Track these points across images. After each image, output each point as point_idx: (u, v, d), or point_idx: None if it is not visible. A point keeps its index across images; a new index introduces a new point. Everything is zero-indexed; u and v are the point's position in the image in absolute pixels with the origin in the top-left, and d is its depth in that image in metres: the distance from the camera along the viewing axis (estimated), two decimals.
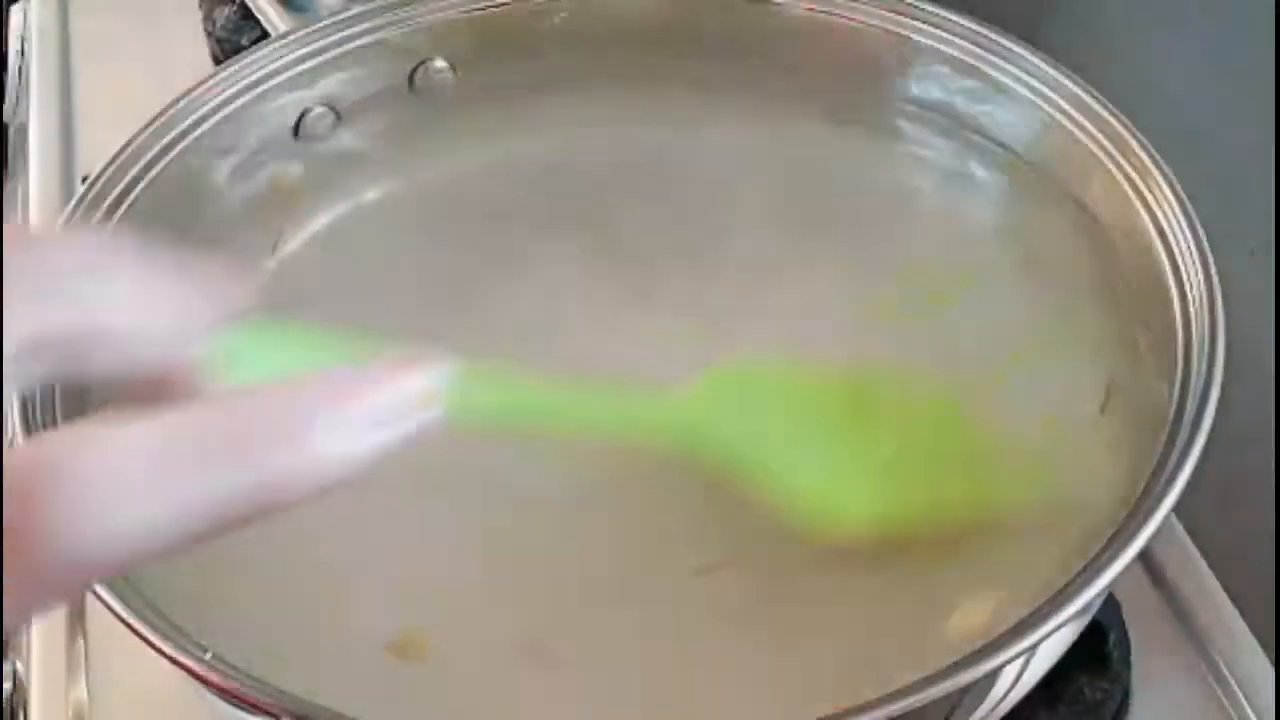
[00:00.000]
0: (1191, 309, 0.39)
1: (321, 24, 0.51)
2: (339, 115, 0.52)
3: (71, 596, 0.18)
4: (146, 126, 0.47)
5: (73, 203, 0.45)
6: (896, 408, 0.42)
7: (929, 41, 0.49)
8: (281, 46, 0.50)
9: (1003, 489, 0.41)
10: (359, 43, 0.51)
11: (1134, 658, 0.44)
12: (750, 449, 0.39)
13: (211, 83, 0.49)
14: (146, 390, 0.23)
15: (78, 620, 0.48)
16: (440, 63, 0.53)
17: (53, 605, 0.19)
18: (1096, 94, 0.45)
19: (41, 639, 0.48)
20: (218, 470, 0.19)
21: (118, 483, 0.19)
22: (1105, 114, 0.45)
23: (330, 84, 0.51)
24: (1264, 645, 0.46)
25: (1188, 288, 0.40)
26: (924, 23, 0.49)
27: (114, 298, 0.23)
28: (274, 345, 0.28)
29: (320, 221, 0.51)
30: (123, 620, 0.34)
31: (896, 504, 0.40)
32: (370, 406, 0.21)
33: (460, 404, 0.23)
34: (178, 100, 0.48)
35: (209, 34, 0.71)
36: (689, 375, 0.41)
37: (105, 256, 0.23)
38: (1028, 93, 0.47)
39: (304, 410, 0.20)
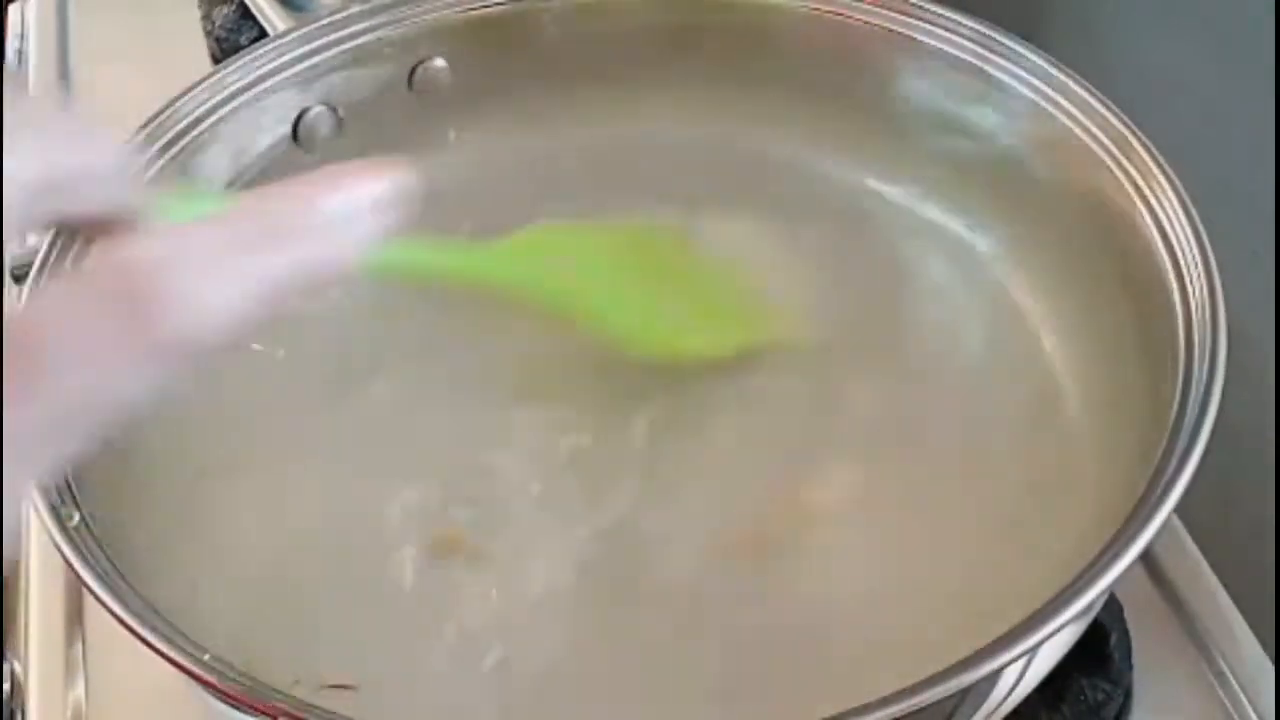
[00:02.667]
0: (1193, 309, 0.39)
1: (320, 23, 0.51)
2: (338, 114, 0.52)
3: (179, 373, 0.23)
4: (145, 126, 0.47)
5: None
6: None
7: (930, 41, 0.49)
8: (280, 46, 0.50)
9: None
10: (358, 42, 0.51)
11: (1135, 658, 0.44)
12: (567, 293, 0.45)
13: (210, 82, 0.49)
14: (99, 231, 0.29)
15: (76, 621, 0.48)
16: (439, 62, 0.53)
17: (164, 383, 0.23)
18: (1098, 94, 0.45)
19: (40, 639, 0.48)
20: (273, 254, 0.24)
21: (203, 268, 0.23)
22: (1107, 114, 0.45)
23: (329, 83, 0.51)
24: (1265, 645, 0.46)
25: (1189, 288, 0.40)
26: (925, 22, 0.49)
27: (93, 142, 0.28)
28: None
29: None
30: (121, 621, 0.34)
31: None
32: (368, 195, 0.26)
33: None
34: (176, 99, 0.48)
35: (208, 33, 0.71)
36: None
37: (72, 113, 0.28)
38: (1029, 92, 0.47)
39: (332, 206, 0.26)
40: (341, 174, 0.26)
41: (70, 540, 0.36)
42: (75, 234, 0.29)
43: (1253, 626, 0.46)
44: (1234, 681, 0.45)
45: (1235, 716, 0.44)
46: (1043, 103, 0.46)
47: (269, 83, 0.50)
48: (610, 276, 0.47)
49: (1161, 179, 0.42)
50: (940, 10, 0.49)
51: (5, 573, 0.50)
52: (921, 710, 0.31)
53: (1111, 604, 0.44)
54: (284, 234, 0.25)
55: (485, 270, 0.44)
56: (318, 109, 0.51)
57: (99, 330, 0.22)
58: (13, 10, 0.77)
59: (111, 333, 0.22)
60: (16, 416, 0.22)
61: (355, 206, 0.26)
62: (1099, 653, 0.44)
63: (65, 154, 0.27)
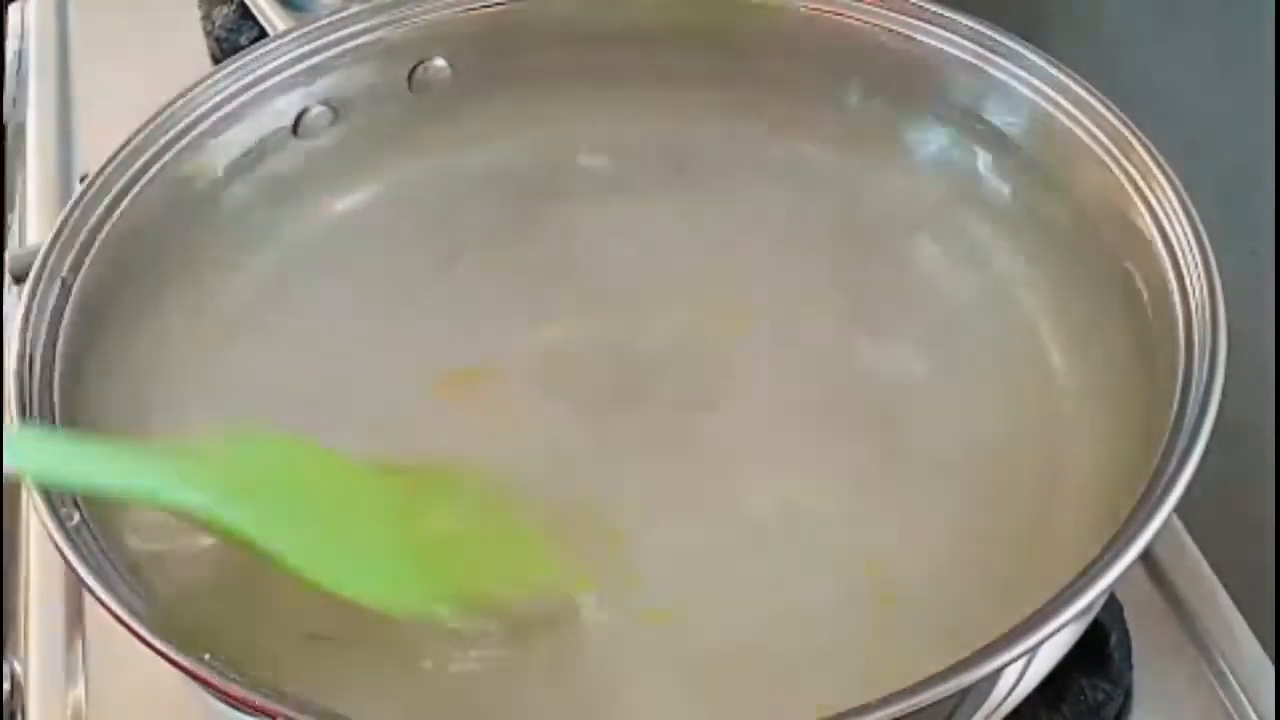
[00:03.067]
0: (1193, 309, 0.39)
1: (320, 23, 0.51)
2: (338, 114, 0.52)
3: None
4: (145, 126, 0.47)
5: (71, 202, 0.45)
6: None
7: (930, 41, 0.49)
8: (280, 45, 0.50)
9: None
10: (358, 41, 0.51)
11: (1136, 658, 0.44)
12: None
13: (210, 82, 0.49)
14: None
15: (76, 621, 0.48)
16: (439, 61, 0.53)
17: None
18: (1098, 93, 0.45)
19: (40, 639, 0.48)
20: None
21: None
22: (1107, 113, 0.45)
23: (329, 83, 0.51)
24: (1265, 645, 0.46)
25: (1189, 287, 0.40)
26: (924, 22, 0.49)
27: None
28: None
29: (318, 220, 0.51)
30: (121, 621, 0.34)
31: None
32: None
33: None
34: (176, 99, 0.48)
35: (208, 33, 0.71)
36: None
37: None
38: (1029, 92, 0.47)
39: None
40: None
41: (70, 540, 0.36)
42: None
43: (1253, 626, 0.46)
44: (1234, 681, 0.45)
45: (1235, 716, 0.44)
46: (1042, 102, 0.46)
47: (269, 83, 0.50)
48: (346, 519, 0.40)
49: (1161, 179, 0.42)
50: (940, 10, 0.49)
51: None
52: (922, 710, 0.31)
53: (1111, 604, 0.44)
54: None
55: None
56: (318, 109, 0.51)
57: None
58: (13, 10, 0.77)
59: None
60: None
61: None
62: (1099, 653, 0.44)
63: None
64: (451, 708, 0.39)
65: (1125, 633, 0.45)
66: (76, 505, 0.38)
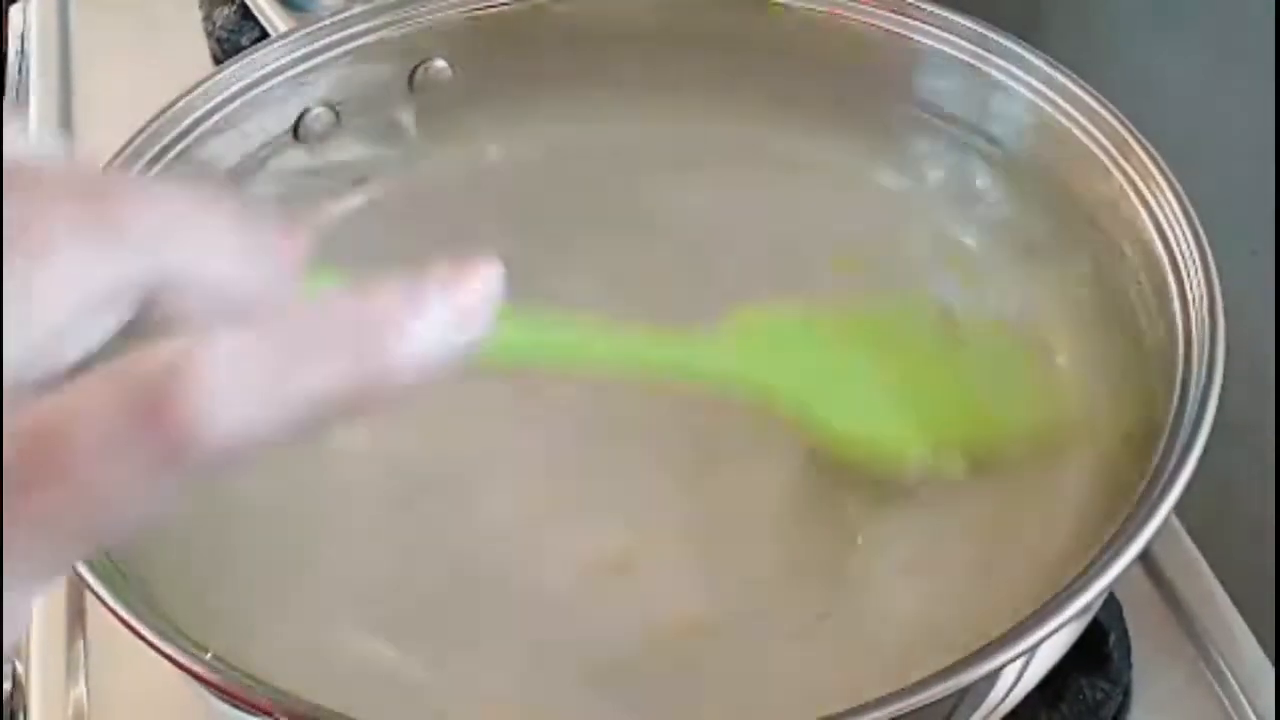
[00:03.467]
0: (1192, 310, 0.39)
1: (321, 24, 0.50)
2: (339, 115, 0.52)
3: (193, 484, 0.21)
4: (146, 127, 0.47)
5: None
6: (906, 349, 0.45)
7: (929, 41, 0.49)
8: (281, 46, 0.50)
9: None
10: (359, 42, 0.51)
11: (1134, 658, 0.44)
12: (787, 389, 0.41)
13: (211, 83, 0.49)
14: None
15: (78, 620, 0.48)
16: (440, 62, 0.53)
17: (177, 495, 0.21)
18: (1097, 94, 0.45)
19: (41, 639, 0.48)
20: (314, 370, 0.22)
21: (234, 378, 0.21)
22: (1106, 114, 0.45)
23: (330, 84, 0.51)
24: (1264, 645, 0.46)
25: (1188, 289, 0.40)
26: (924, 22, 0.49)
27: (191, 246, 0.24)
28: None
29: (319, 222, 0.51)
30: (122, 620, 0.34)
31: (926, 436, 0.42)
32: (447, 308, 0.23)
33: (501, 341, 0.25)
34: (177, 100, 0.48)
35: (209, 34, 0.71)
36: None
37: (176, 206, 0.24)
38: (1028, 93, 0.47)
39: (387, 315, 0.23)
40: (413, 282, 0.23)
41: None
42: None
43: (1251, 626, 0.46)
44: (1233, 681, 0.45)
45: (1234, 716, 0.44)
46: (1041, 103, 0.46)
47: (270, 83, 0.50)
48: (831, 371, 0.43)
49: (1160, 180, 0.42)
50: (938, 11, 0.49)
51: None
52: (920, 710, 0.31)
53: (1110, 603, 0.44)
54: (332, 345, 0.22)
55: (680, 363, 0.40)
56: (318, 109, 0.51)
57: (121, 434, 0.21)
58: (14, 10, 0.77)
59: (133, 439, 0.21)
60: (33, 512, 0.20)
61: (428, 317, 0.23)
62: (1098, 652, 0.44)
63: (140, 262, 0.23)
64: None
65: (1124, 632, 0.45)
66: None
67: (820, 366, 0.43)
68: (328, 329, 0.22)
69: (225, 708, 0.34)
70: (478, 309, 0.23)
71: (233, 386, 0.21)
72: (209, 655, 0.34)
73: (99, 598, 0.35)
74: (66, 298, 0.22)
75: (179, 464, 0.21)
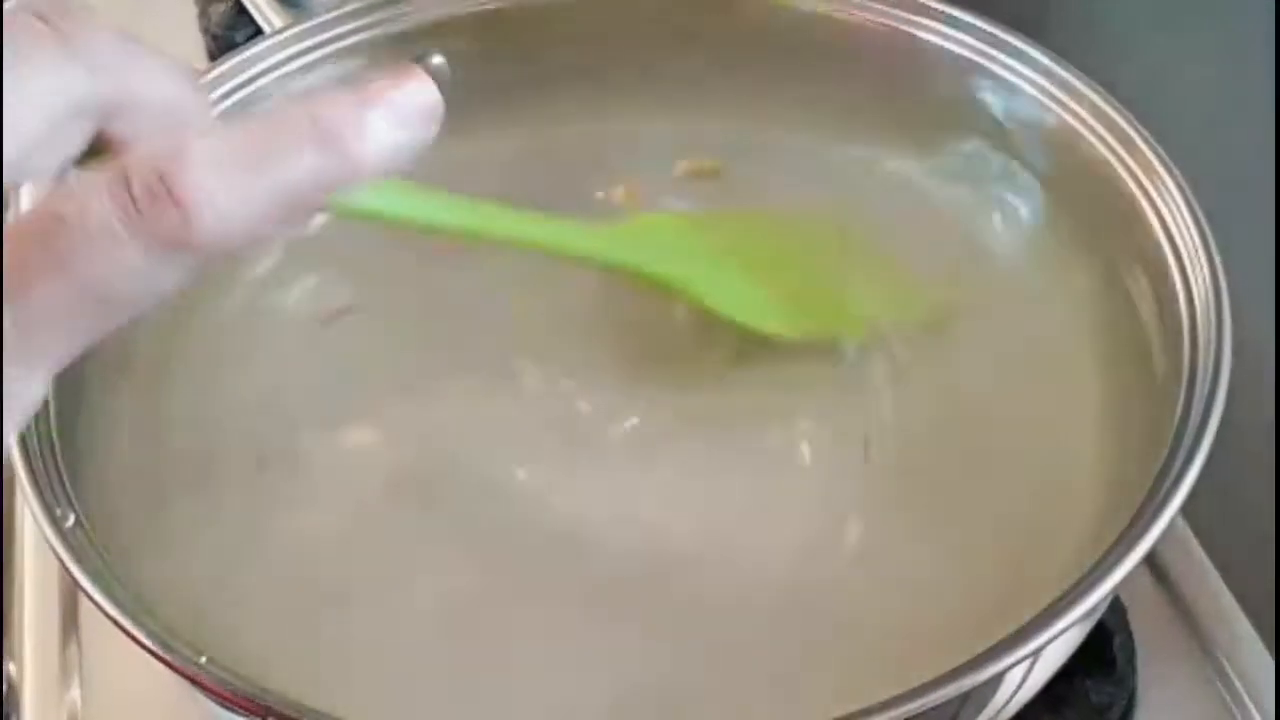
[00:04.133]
0: (1197, 306, 0.39)
1: (317, 20, 0.50)
2: None
3: (191, 272, 0.25)
4: None
5: None
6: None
7: (934, 39, 0.49)
8: (277, 43, 0.50)
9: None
10: (355, 39, 0.51)
11: (1139, 661, 0.44)
12: (678, 274, 0.45)
13: (206, 80, 0.48)
14: None
15: (71, 623, 0.48)
16: (437, 59, 0.52)
17: (176, 281, 0.24)
18: (1102, 90, 0.45)
19: (35, 642, 0.48)
20: (287, 163, 0.25)
21: (224, 170, 0.24)
22: (1111, 110, 0.45)
23: (326, 80, 0.51)
24: (1270, 648, 0.45)
25: (1193, 285, 0.40)
26: (928, 19, 0.49)
27: (146, 72, 0.28)
28: None
29: (316, 219, 0.51)
30: (116, 623, 0.34)
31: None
32: (393, 106, 0.27)
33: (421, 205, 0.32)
34: None
35: (204, 30, 0.71)
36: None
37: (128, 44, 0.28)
38: (1034, 90, 0.47)
39: (342, 113, 0.26)
40: (365, 88, 0.27)
41: (65, 542, 0.36)
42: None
43: (1258, 629, 0.46)
44: (1238, 684, 0.45)
45: (1239, 718, 0.44)
46: (1046, 100, 0.46)
47: (265, 80, 0.49)
48: (721, 261, 0.46)
49: (1165, 175, 0.42)
50: (943, 8, 0.49)
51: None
52: (924, 714, 0.31)
53: (1116, 606, 0.44)
54: (299, 141, 0.25)
55: (586, 248, 0.44)
56: None
57: (120, 222, 0.23)
58: (8, 6, 0.77)
59: (132, 226, 0.23)
60: (38, 294, 0.23)
61: (379, 115, 0.26)
62: (1103, 655, 0.44)
63: (109, 78, 0.27)
64: None
65: (1129, 635, 0.44)
66: (72, 506, 0.37)
67: (708, 259, 0.46)
68: (293, 129, 0.26)
69: (221, 710, 0.34)
70: (419, 108, 0.28)
71: (219, 177, 0.24)
72: (203, 658, 0.34)
73: (93, 600, 0.35)
74: (48, 104, 0.26)
75: (177, 248, 0.24)
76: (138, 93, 0.28)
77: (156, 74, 0.28)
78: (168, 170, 0.24)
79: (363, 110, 0.26)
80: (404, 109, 0.27)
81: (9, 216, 0.28)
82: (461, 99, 0.52)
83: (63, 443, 0.39)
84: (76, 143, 0.27)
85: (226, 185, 0.24)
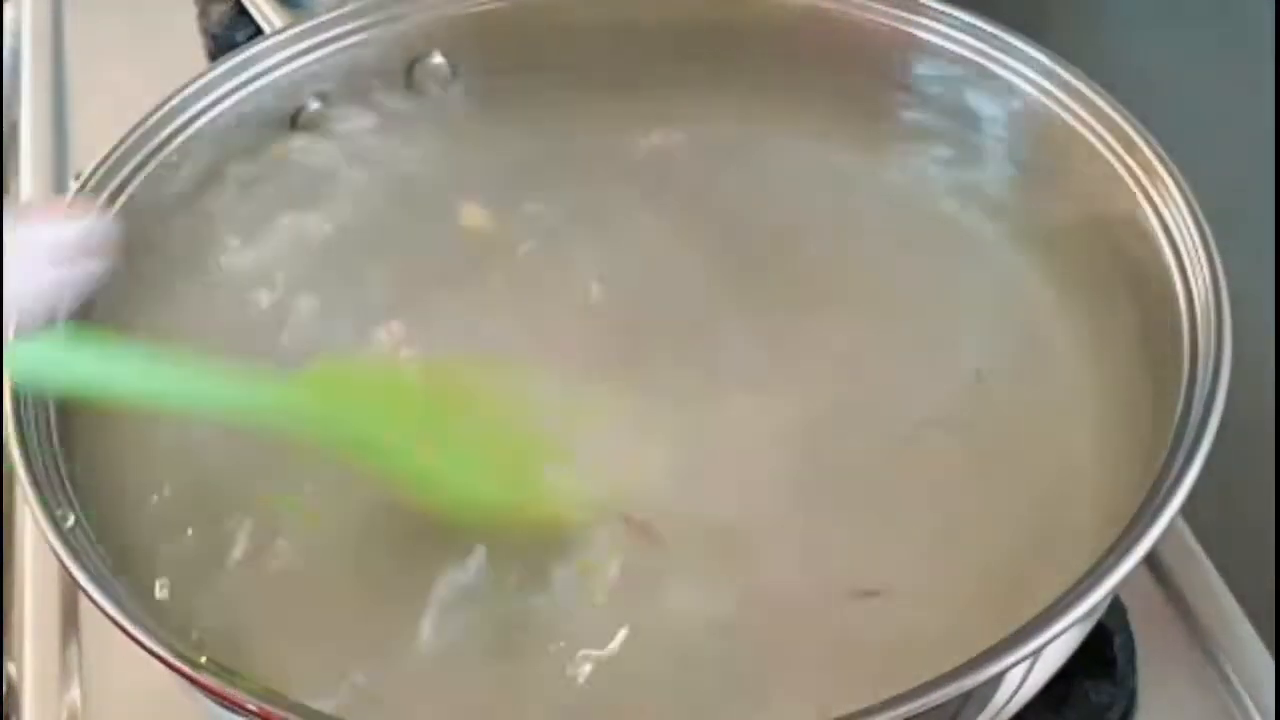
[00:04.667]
0: (1197, 306, 0.39)
1: (317, 20, 0.50)
2: (335, 111, 0.51)
3: None
4: (140, 124, 0.47)
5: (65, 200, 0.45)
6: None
7: (932, 37, 0.49)
8: (276, 43, 0.50)
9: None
10: (355, 39, 0.51)
11: (1140, 661, 0.44)
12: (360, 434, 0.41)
13: (206, 80, 0.48)
14: None
15: (71, 623, 0.48)
16: (437, 58, 0.52)
17: None
18: (1103, 91, 0.45)
19: (35, 642, 0.48)
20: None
21: None
22: (1111, 110, 0.45)
23: (326, 80, 0.51)
24: (1270, 648, 0.45)
25: (1193, 284, 0.40)
26: (928, 18, 0.49)
27: None
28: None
29: (314, 217, 0.51)
30: (117, 624, 0.34)
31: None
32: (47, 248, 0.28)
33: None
34: (171, 97, 0.48)
35: (204, 30, 0.71)
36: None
37: None
38: (1032, 89, 0.47)
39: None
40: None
41: (65, 542, 0.36)
42: None
43: (1258, 629, 0.46)
44: (1238, 683, 0.44)
45: (1239, 719, 0.44)
46: (1047, 100, 0.46)
47: (265, 80, 0.49)
48: (408, 416, 0.42)
49: (1165, 175, 0.42)
50: (944, 8, 0.48)
51: None
52: (924, 713, 0.31)
53: (1116, 607, 0.44)
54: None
55: (266, 405, 0.40)
56: (314, 106, 0.51)
57: None
58: (8, 7, 0.77)
59: None
60: None
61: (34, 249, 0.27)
62: (1103, 655, 0.43)
63: None
64: None
65: (1129, 636, 0.44)
66: (72, 506, 0.37)
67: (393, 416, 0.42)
68: None
69: (220, 710, 0.34)
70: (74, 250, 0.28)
71: None
72: (203, 658, 0.34)
73: (93, 600, 0.35)
74: None
75: None
76: None
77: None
78: None
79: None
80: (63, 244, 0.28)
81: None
82: (460, 99, 0.53)
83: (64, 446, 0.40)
84: None
85: None
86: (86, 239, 0.29)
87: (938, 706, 0.31)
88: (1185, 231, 0.41)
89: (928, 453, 0.44)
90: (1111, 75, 0.46)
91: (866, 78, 0.51)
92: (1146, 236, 0.42)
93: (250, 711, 0.33)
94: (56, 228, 0.29)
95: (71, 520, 0.37)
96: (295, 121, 0.51)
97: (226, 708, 0.33)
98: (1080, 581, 0.33)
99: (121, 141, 0.46)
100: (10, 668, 0.48)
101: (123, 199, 0.45)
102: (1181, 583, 0.47)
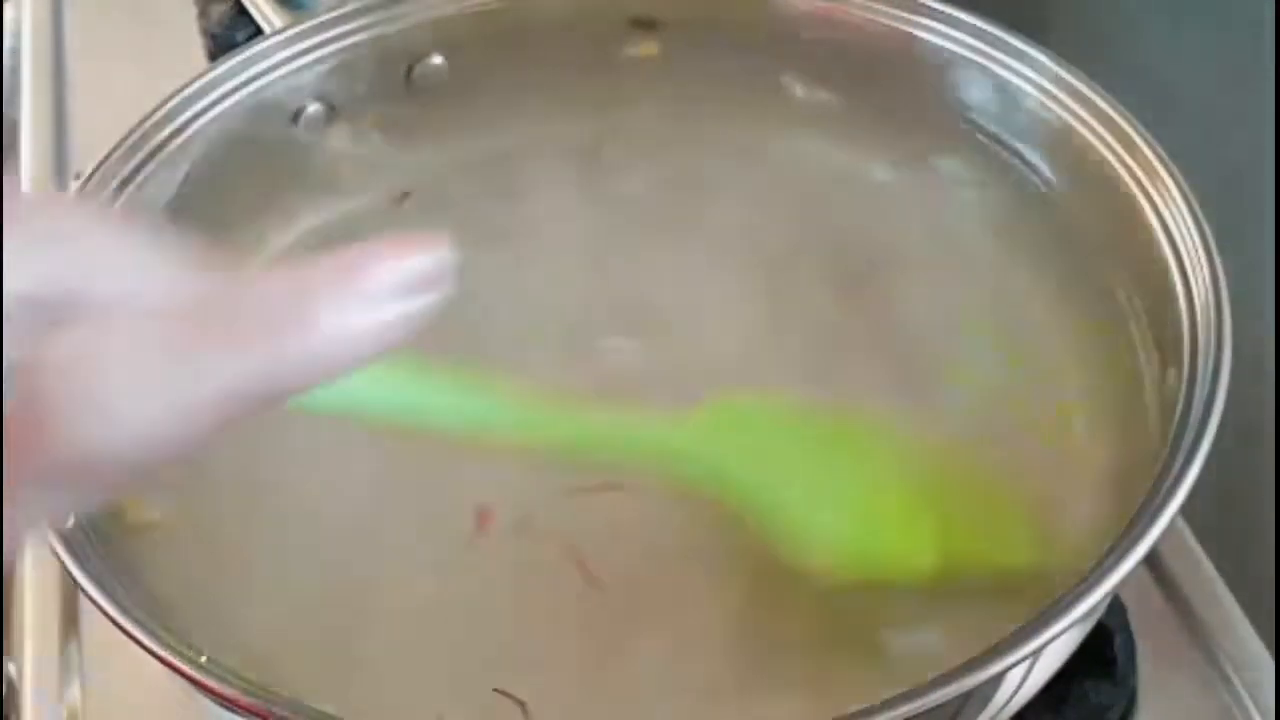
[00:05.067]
0: (1197, 307, 0.39)
1: (317, 20, 0.50)
2: (334, 112, 0.51)
3: (80, 501, 0.20)
4: (140, 124, 0.47)
5: None
6: (883, 445, 0.41)
7: (935, 39, 0.49)
8: (276, 43, 0.50)
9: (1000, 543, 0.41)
10: (355, 39, 0.51)
11: (1140, 661, 0.44)
12: (750, 483, 0.38)
13: (205, 80, 0.48)
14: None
15: (71, 623, 0.48)
16: (437, 59, 0.52)
17: (61, 510, 0.20)
18: (1103, 92, 0.45)
19: (35, 641, 0.48)
20: (224, 357, 0.19)
21: (121, 376, 0.18)
22: (1111, 111, 0.44)
23: (326, 81, 0.51)
24: (1270, 648, 0.45)
25: (1193, 285, 0.40)
26: (930, 20, 0.49)
27: (108, 266, 0.22)
28: None
29: (314, 219, 0.51)
30: (116, 624, 0.34)
31: (878, 546, 0.39)
32: (374, 284, 0.20)
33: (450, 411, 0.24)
34: (171, 98, 0.47)
35: (203, 31, 0.71)
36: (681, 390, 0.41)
37: (96, 224, 0.23)
38: (1034, 91, 0.47)
39: (307, 292, 0.19)
40: (347, 257, 0.20)
41: (65, 542, 0.36)
42: None
43: (1258, 629, 0.46)
44: (1238, 684, 0.44)
45: (1239, 719, 0.44)
46: (1047, 101, 0.46)
47: (265, 80, 0.49)
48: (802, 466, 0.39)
49: (1166, 177, 0.42)
50: (944, 8, 0.48)
51: None
52: (924, 714, 0.31)
53: (1115, 606, 0.44)
54: (255, 325, 0.19)
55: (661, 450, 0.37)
56: (314, 107, 0.51)
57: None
58: (8, 7, 0.77)
59: (12, 444, 0.18)
60: None
61: (359, 289, 0.20)
62: (1103, 655, 0.43)
63: (63, 271, 0.21)
64: None
65: (1129, 636, 0.44)
66: None
67: (786, 461, 0.39)
68: (242, 311, 0.19)
69: (221, 711, 0.34)
70: (411, 286, 0.20)
71: (133, 378, 0.18)
72: (203, 658, 0.34)
73: (93, 600, 0.35)
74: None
75: (65, 472, 0.18)
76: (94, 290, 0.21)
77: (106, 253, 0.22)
78: (57, 373, 0.18)
79: (335, 289, 0.20)
80: (398, 280, 0.20)
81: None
82: (460, 100, 0.53)
83: None
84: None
85: (131, 388, 0.18)
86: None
87: (938, 706, 0.31)
88: (1185, 231, 0.41)
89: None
90: (1111, 75, 0.46)
91: (867, 78, 0.51)
92: (1146, 236, 0.42)
93: (253, 712, 0.33)
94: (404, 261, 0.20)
95: (71, 520, 0.37)
96: (295, 121, 0.51)
97: (226, 708, 0.33)
98: (1080, 581, 0.33)
99: (122, 141, 0.46)
100: (10, 668, 0.48)
101: (123, 199, 0.45)
102: (1181, 583, 0.47)
